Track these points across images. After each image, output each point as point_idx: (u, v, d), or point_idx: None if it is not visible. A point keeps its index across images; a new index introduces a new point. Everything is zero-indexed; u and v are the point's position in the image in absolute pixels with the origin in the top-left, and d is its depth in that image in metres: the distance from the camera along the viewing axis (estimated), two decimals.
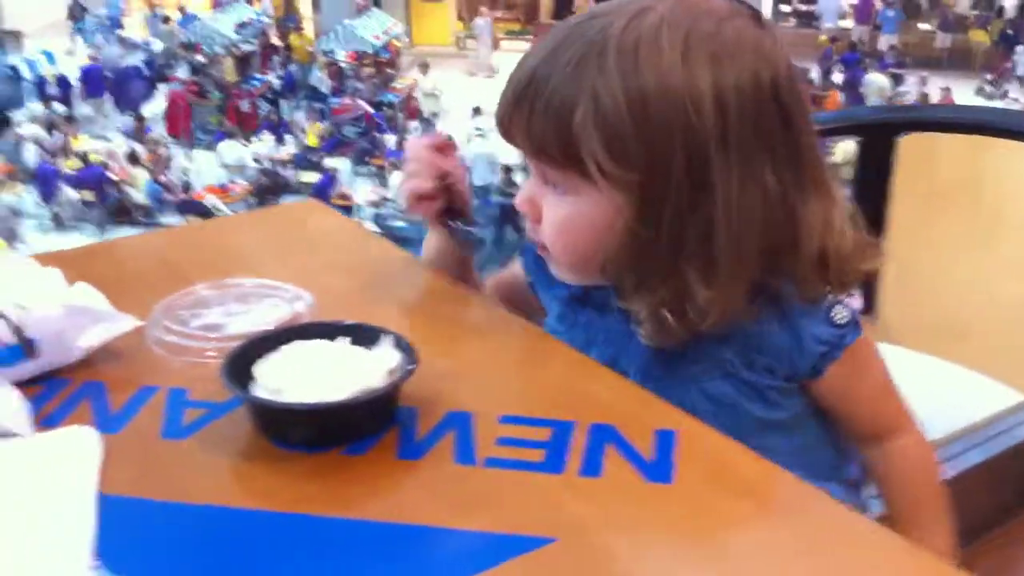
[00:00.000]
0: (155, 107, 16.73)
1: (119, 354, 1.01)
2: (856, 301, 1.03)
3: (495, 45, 20.83)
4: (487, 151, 13.69)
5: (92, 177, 13.05)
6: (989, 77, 17.56)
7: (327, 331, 0.95)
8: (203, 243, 1.31)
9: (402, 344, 0.93)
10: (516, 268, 1.23)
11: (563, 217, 0.99)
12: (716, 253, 0.94)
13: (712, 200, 0.93)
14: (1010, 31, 19.03)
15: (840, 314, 1.00)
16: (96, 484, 0.82)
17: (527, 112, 0.96)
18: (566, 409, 0.93)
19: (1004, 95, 16.31)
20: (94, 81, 16.57)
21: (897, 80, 16.08)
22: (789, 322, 0.99)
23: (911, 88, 15.53)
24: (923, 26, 20.07)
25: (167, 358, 1.00)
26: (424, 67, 16.48)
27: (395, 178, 13.05)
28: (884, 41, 18.29)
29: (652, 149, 0.92)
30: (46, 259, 1.11)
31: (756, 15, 0.98)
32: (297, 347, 0.92)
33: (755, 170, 0.94)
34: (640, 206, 0.94)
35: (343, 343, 0.94)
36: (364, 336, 0.94)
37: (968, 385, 1.31)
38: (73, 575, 0.73)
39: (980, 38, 19.18)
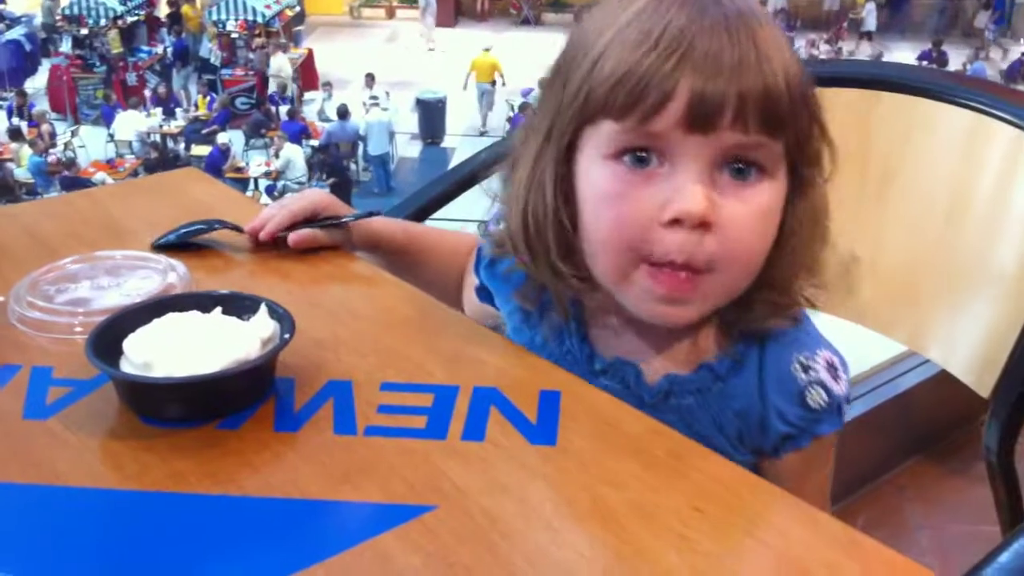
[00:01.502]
0: (39, 82, 16.19)
1: None
2: (843, 384, 0.93)
3: (390, 14, 20.66)
4: (383, 120, 13.59)
5: None
6: (825, 36, 18.16)
7: (200, 302, 0.92)
8: (75, 215, 1.25)
9: (278, 313, 0.90)
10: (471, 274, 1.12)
11: (767, 206, 0.86)
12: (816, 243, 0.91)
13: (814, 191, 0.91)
14: None
15: (815, 396, 0.91)
16: None
17: (755, 67, 0.82)
18: (451, 374, 0.91)
19: (838, 52, 16.86)
20: None
21: None
22: (762, 389, 0.92)
23: (800, 50, 15.83)
24: None
25: (31, 335, 0.96)
26: (279, 47, 16.05)
27: (286, 150, 12.86)
28: (772, 4, 18.57)
29: (807, 118, 0.88)
30: None
31: None
32: (168, 319, 0.89)
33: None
34: (798, 187, 0.89)
35: (216, 314, 0.90)
36: (239, 306, 0.91)
37: (855, 339, 1.32)
38: None
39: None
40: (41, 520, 0.75)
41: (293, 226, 1.13)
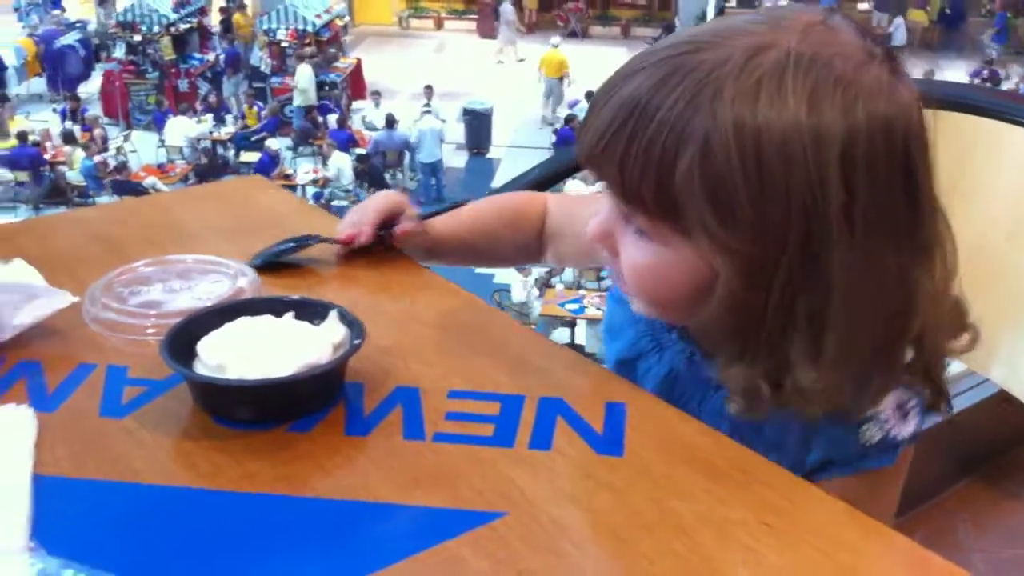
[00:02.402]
0: (92, 87, 16.44)
1: (55, 332, 0.98)
2: (910, 426, 0.89)
3: (438, 24, 20.75)
4: (435, 127, 13.65)
5: (26, 157, 12.80)
6: None
7: (272, 306, 0.93)
8: (142, 219, 1.28)
9: (348, 318, 0.92)
10: (590, 209, 1.13)
11: (645, 265, 0.87)
12: (827, 332, 0.81)
13: (828, 273, 0.80)
14: (948, 10, 19.34)
15: (868, 433, 0.88)
16: (31, 464, 0.80)
17: (623, 147, 0.82)
18: (516, 383, 0.92)
19: None
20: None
21: None
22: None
23: None
24: (862, 6, 20.33)
25: (105, 336, 0.98)
26: (300, 58, 15.96)
27: (335, 159, 12.96)
28: None
29: (766, 212, 0.79)
30: None
31: (892, 57, 0.83)
32: (241, 323, 0.90)
33: (877, 243, 0.81)
34: (746, 273, 0.81)
35: (288, 318, 0.92)
36: (310, 311, 0.93)
37: None
38: (8, 557, 0.71)
39: (918, 17, 19.49)
40: (119, 516, 0.76)
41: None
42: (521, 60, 18.57)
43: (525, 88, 16.46)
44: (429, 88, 14.73)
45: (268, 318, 0.92)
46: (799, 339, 0.82)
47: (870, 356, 0.84)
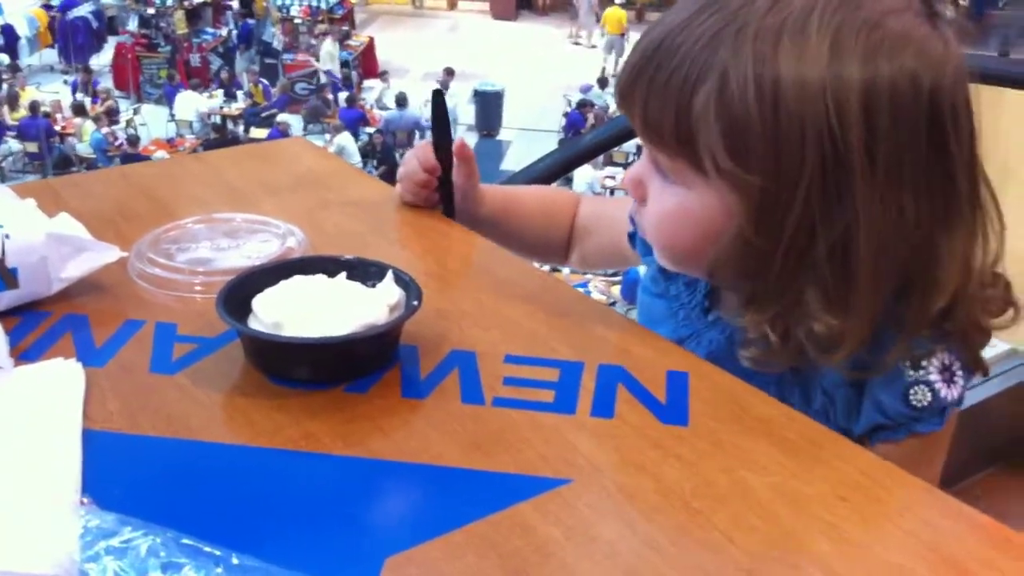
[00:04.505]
0: (104, 59, 16.39)
1: (101, 287, 0.96)
2: (956, 389, 0.88)
3: (451, 5, 20.65)
4: (449, 107, 13.62)
5: (36, 128, 12.77)
6: None
7: (326, 266, 0.91)
8: (189, 177, 1.25)
9: (404, 280, 0.89)
10: (621, 208, 1.14)
11: (666, 209, 0.88)
12: (844, 277, 0.82)
13: (845, 216, 0.80)
14: None
15: (919, 395, 0.87)
16: (81, 418, 0.78)
17: (646, 85, 0.84)
18: (574, 350, 0.90)
19: None
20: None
21: None
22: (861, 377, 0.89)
23: None
24: None
25: (152, 292, 0.96)
26: (324, 33, 15.86)
27: (339, 138, 12.93)
28: None
29: (779, 150, 0.79)
30: (20, 190, 1.06)
31: (932, 10, 0.83)
32: (296, 281, 0.88)
33: (898, 188, 0.80)
34: (758, 213, 0.81)
35: (341, 278, 0.90)
36: (364, 272, 0.91)
37: None
38: (61, 513, 0.68)
39: None
40: (175, 472, 0.74)
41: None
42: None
43: (537, 70, 16.37)
44: (450, 71, 14.65)
45: (322, 277, 0.89)
46: (814, 285, 0.82)
47: (883, 306, 0.83)
